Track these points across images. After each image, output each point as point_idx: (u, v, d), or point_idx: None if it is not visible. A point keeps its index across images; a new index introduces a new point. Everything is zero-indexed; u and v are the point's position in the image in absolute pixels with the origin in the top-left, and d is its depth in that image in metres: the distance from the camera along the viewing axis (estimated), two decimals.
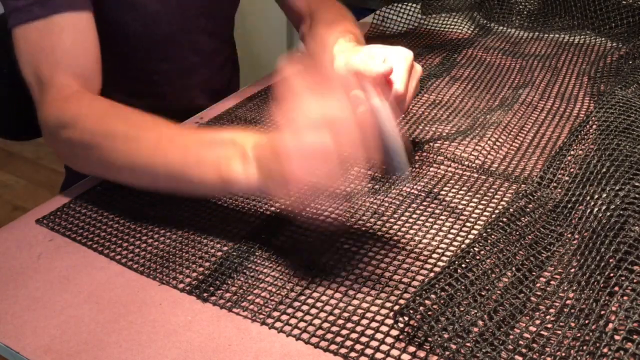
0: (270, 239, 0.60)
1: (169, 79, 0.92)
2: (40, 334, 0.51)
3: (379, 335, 0.49)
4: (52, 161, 2.27)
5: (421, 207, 0.64)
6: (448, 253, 0.57)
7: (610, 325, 0.45)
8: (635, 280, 0.47)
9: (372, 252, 0.58)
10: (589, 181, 0.60)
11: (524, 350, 0.45)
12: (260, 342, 0.49)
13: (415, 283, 0.54)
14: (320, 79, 0.48)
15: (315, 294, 0.53)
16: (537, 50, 1.04)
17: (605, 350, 0.44)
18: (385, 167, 0.51)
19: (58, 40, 0.68)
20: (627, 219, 0.52)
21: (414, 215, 0.63)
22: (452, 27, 1.15)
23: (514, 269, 0.52)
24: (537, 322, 0.48)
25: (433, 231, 0.60)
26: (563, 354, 0.45)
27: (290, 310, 0.52)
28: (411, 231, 0.60)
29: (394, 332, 0.49)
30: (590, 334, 0.45)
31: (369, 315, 0.51)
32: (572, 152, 0.69)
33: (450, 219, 0.62)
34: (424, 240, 0.59)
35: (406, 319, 0.49)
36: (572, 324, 0.47)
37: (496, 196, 0.65)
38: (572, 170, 0.65)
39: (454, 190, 0.66)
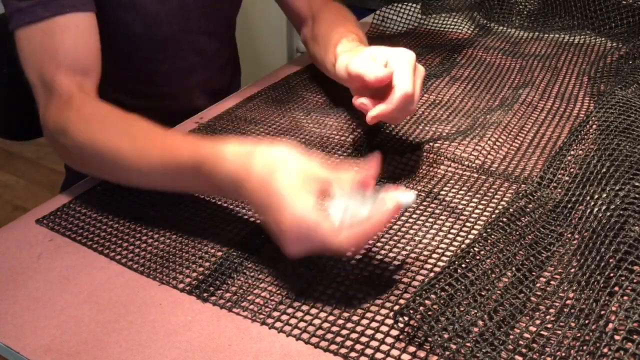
0: (271, 239, 0.60)
1: (170, 80, 0.92)
2: (40, 334, 0.51)
3: (379, 335, 0.49)
4: (52, 161, 2.27)
5: (421, 207, 0.64)
6: (448, 253, 0.57)
7: (610, 325, 0.45)
8: (635, 280, 0.47)
9: (372, 252, 0.58)
10: (589, 181, 0.60)
11: (524, 350, 0.45)
12: (260, 342, 0.49)
13: (415, 283, 0.54)
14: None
15: (315, 294, 0.53)
16: (537, 50, 1.04)
17: (605, 350, 0.44)
18: None
19: (60, 41, 0.68)
20: (627, 219, 0.51)
21: (414, 215, 0.63)
22: (452, 27, 1.15)
23: (514, 269, 0.52)
24: (537, 322, 0.48)
25: (433, 231, 0.60)
26: (563, 354, 0.45)
27: (290, 310, 0.52)
28: (411, 231, 0.60)
29: (394, 332, 0.49)
30: (590, 334, 0.45)
31: (369, 315, 0.51)
32: (572, 152, 0.69)
33: (450, 219, 0.62)
34: (424, 240, 0.59)
35: (406, 319, 0.49)
36: (572, 324, 0.47)
37: (496, 196, 0.65)
38: (572, 170, 0.65)
39: (454, 190, 0.66)
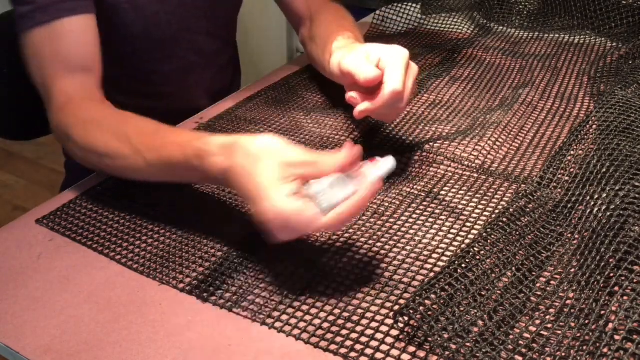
0: None
1: (170, 80, 0.92)
2: (40, 334, 0.51)
3: (379, 335, 0.49)
4: (52, 161, 2.27)
5: (421, 207, 0.64)
6: (448, 253, 0.57)
7: (610, 325, 0.45)
8: (635, 280, 0.47)
9: (372, 252, 0.58)
10: (589, 181, 0.60)
11: (524, 350, 0.45)
12: (260, 342, 0.49)
13: (415, 283, 0.54)
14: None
15: (315, 294, 0.53)
16: (537, 50, 1.04)
17: (605, 350, 0.44)
18: None
19: (60, 45, 0.69)
20: (627, 219, 0.51)
21: (414, 215, 0.63)
22: (452, 27, 1.15)
23: (514, 269, 0.52)
24: (537, 322, 0.48)
25: (433, 231, 0.60)
26: (563, 354, 0.45)
27: (290, 310, 0.52)
28: (411, 231, 0.60)
29: (394, 332, 0.49)
30: (590, 334, 0.45)
31: (369, 315, 0.51)
32: (572, 152, 0.69)
33: (450, 219, 0.62)
34: (424, 240, 0.59)
35: (406, 319, 0.49)
36: (572, 324, 0.47)
37: (496, 196, 0.65)
38: (572, 170, 0.65)
39: (454, 190, 0.66)
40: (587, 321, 0.47)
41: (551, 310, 0.49)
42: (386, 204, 0.65)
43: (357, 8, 1.39)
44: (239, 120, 0.83)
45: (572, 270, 0.53)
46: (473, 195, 0.65)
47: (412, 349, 0.47)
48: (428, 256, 0.57)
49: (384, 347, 0.47)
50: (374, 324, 0.50)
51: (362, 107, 0.62)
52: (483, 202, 0.64)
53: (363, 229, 0.61)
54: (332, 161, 0.50)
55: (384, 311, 0.51)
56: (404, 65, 0.61)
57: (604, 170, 0.59)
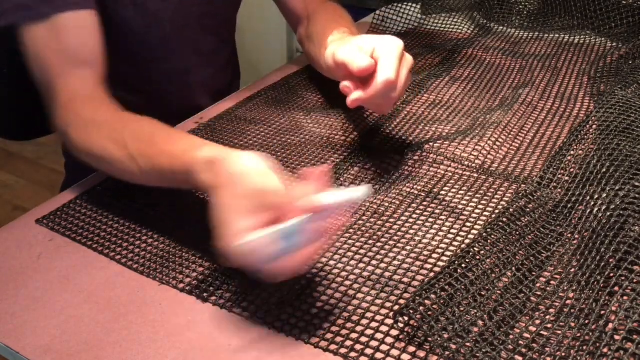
0: None
1: (170, 78, 0.92)
2: (40, 334, 0.51)
3: (379, 335, 0.49)
4: (52, 161, 2.27)
5: (421, 207, 0.64)
6: (448, 253, 0.57)
7: (610, 325, 0.45)
8: (635, 280, 0.47)
9: (372, 252, 0.58)
10: (589, 181, 0.60)
11: (524, 350, 0.45)
12: (260, 342, 0.49)
13: (415, 283, 0.54)
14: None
15: (315, 294, 0.53)
16: (537, 50, 1.04)
17: (605, 350, 0.44)
18: None
19: (63, 40, 0.69)
20: (627, 219, 0.51)
21: (414, 215, 0.63)
22: (452, 27, 1.15)
23: (514, 269, 0.52)
24: (537, 322, 0.48)
25: (433, 231, 0.60)
26: (563, 354, 0.45)
27: (290, 310, 0.52)
28: (411, 231, 0.60)
29: (394, 332, 0.49)
30: (590, 334, 0.45)
31: (369, 315, 0.51)
32: (572, 152, 0.69)
33: (450, 219, 0.62)
34: (424, 240, 0.59)
35: (406, 319, 0.49)
36: (572, 324, 0.47)
37: (496, 196, 0.65)
38: (572, 170, 0.65)
39: (454, 190, 0.66)
40: (587, 321, 0.47)
41: (551, 310, 0.49)
42: (386, 204, 0.65)
43: (357, 8, 1.40)
44: (239, 120, 0.83)
45: (572, 270, 0.53)
46: (473, 195, 0.65)
47: (412, 349, 0.47)
48: (428, 256, 0.57)
49: (384, 347, 0.47)
50: (374, 324, 0.50)
51: (355, 95, 0.62)
52: (483, 202, 0.64)
53: (363, 229, 0.61)
54: (301, 206, 0.47)
55: (384, 311, 0.51)
56: (397, 55, 0.61)
57: (604, 170, 0.59)
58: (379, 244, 0.59)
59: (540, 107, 0.84)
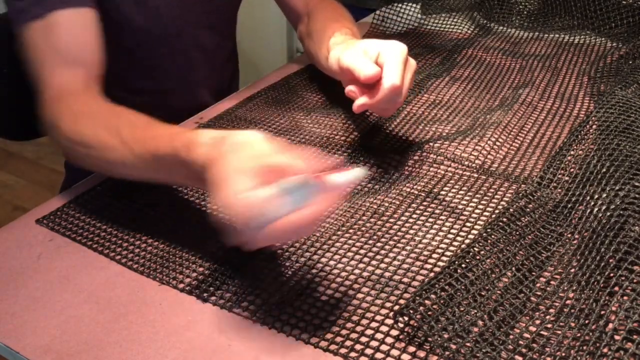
0: None
1: (171, 75, 0.92)
2: (40, 334, 0.51)
3: (379, 335, 0.49)
4: (52, 161, 2.27)
5: (421, 207, 0.64)
6: (448, 253, 0.57)
7: (610, 325, 0.45)
8: (635, 280, 0.47)
9: (372, 252, 0.58)
10: (589, 181, 0.60)
11: (524, 350, 0.45)
12: (260, 342, 0.49)
13: (415, 283, 0.54)
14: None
15: (315, 294, 0.53)
16: (537, 50, 1.04)
17: (605, 350, 0.44)
18: None
19: (55, 37, 0.69)
20: (627, 219, 0.51)
21: (414, 215, 0.63)
22: (452, 27, 1.15)
23: (514, 269, 0.52)
24: (537, 322, 0.48)
25: (433, 231, 0.60)
26: (563, 354, 0.45)
27: (290, 310, 0.52)
28: (411, 231, 0.60)
29: (394, 332, 0.49)
30: (590, 334, 0.45)
31: (369, 315, 0.51)
32: (572, 152, 0.69)
33: (450, 219, 0.62)
34: (424, 240, 0.59)
35: (406, 319, 0.49)
36: (572, 324, 0.47)
37: (496, 196, 0.65)
38: (572, 170, 0.65)
39: (454, 190, 0.66)
40: (587, 321, 0.47)
41: (551, 310, 0.49)
42: (386, 204, 0.65)
43: (357, 8, 1.39)
44: (239, 120, 0.83)
45: (572, 270, 0.53)
46: (473, 195, 0.65)
47: (412, 349, 0.47)
48: (428, 256, 0.57)
49: (384, 347, 0.47)
50: (374, 324, 0.50)
51: (361, 101, 0.63)
52: (483, 202, 0.64)
53: (363, 229, 0.61)
54: (304, 169, 0.47)
55: (384, 311, 0.51)
56: (402, 60, 0.62)
57: (604, 170, 0.59)
58: (379, 244, 0.59)
59: (540, 107, 0.84)
